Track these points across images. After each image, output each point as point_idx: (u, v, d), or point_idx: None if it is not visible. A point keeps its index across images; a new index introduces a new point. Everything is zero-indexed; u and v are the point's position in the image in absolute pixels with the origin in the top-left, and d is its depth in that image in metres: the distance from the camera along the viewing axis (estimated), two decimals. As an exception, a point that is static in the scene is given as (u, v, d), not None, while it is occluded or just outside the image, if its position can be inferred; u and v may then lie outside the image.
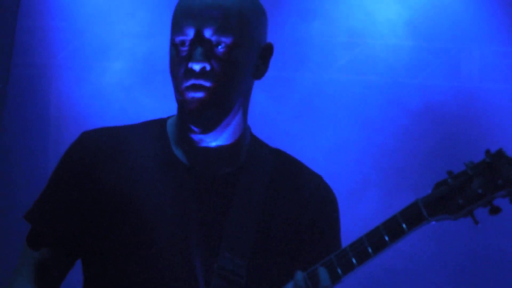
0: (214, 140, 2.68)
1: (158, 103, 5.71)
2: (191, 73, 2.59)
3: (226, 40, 2.60)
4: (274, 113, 6.09)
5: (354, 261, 2.54)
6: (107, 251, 2.65)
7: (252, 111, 2.81)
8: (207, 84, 2.59)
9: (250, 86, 2.72)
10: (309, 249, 2.69)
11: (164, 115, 2.82)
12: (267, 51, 2.72)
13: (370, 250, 2.54)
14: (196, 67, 2.58)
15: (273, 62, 2.75)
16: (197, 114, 2.60)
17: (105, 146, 2.70)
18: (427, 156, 6.25)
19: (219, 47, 2.61)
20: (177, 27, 2.64)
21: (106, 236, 2.65)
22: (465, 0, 6.30)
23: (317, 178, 2.79)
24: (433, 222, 2.54)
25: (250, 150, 2.75)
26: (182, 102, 2.63)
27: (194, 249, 2.63)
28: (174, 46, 2.65)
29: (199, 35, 2.60)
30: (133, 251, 2.63)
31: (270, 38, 2.76)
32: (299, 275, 2.55)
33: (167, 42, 2.62)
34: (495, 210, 2.51)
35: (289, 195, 2.73)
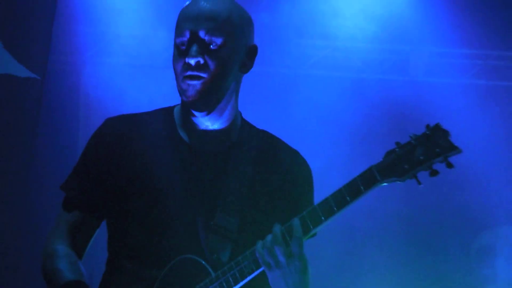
0: (212, 124, 2.69)
1: (162, 90, 5.71)
2: (188, 66, 2.59)
3: (217, 40, 2.60)
4: (253, 103, 6.08)
5: (322, 217, 2.56)
6: (127, 213, 2.66)
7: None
8: (202, 75, 2.59)
9: (239, 79, 2.72)
10: (287, 210, 2.69)
11: (166, 98, 2.84)
12: (253, 51, 2.71)
13: (334, 207, 2.55)
14: (192, 61, 2.59)
15: (257, 59, 2.74)
16: (195, 100, 2.61)
17: (125, 130, 2.72)
18: (383, 136, 6.24)
19: (211, 45, 2.60)
20: (178, 30, 2.64)
21: (125, 201, 2.66)
22: (414, 10, 6.31)
23: (295, 153, 2.80)
24: (385, 184, 2.55)
25: (241, 132, 2.75)
26: (182, 91, 2.63)
27: (196, 211, 2.64)
28: (176, 46, 2.65)
29: (194, 35, 2.60)
30: (147, 212, 2.64)
31: (255, 37, 2.75)
32: (277, 227, 2.56)
33: (164, 43, 2.59)
34: (434, 173, 2.53)
35: (272, 167, 2.74)
